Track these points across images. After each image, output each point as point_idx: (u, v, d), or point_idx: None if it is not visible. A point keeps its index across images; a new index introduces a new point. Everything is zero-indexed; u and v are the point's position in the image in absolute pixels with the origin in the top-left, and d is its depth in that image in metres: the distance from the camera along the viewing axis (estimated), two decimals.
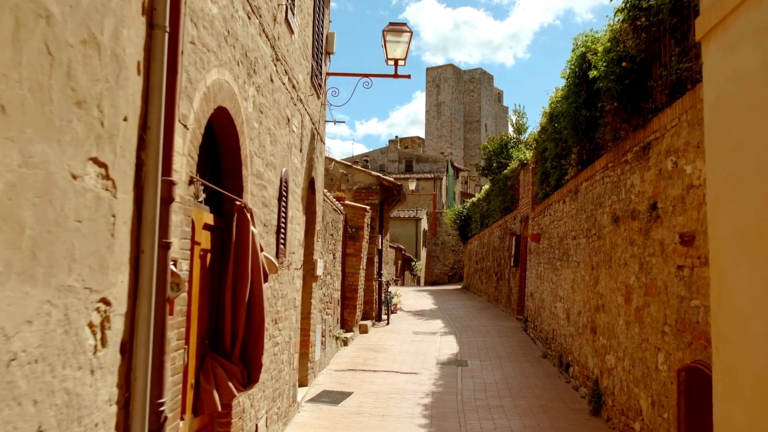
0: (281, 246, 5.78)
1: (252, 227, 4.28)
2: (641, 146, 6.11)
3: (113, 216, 2.53)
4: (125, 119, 2.61)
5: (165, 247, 2.88)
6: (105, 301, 2.49)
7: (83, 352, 2.33)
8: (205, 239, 4.08)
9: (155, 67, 2.83)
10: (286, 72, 5.83)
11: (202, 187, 4.05)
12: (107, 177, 2.47)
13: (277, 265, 4.84)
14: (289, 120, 6.08)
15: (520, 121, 19.28)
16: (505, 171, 17.42)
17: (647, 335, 5.76)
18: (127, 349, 2.69)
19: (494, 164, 18.79)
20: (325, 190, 9.60)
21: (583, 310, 8.29)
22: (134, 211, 2.73)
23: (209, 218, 4.12)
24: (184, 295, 3.34)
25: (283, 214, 5.82)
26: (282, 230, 5.82)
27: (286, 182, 5.88)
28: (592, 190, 7.98)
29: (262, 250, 4.44)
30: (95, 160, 2.38)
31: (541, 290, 11.80)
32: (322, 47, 8.19)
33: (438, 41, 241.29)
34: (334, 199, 10.70)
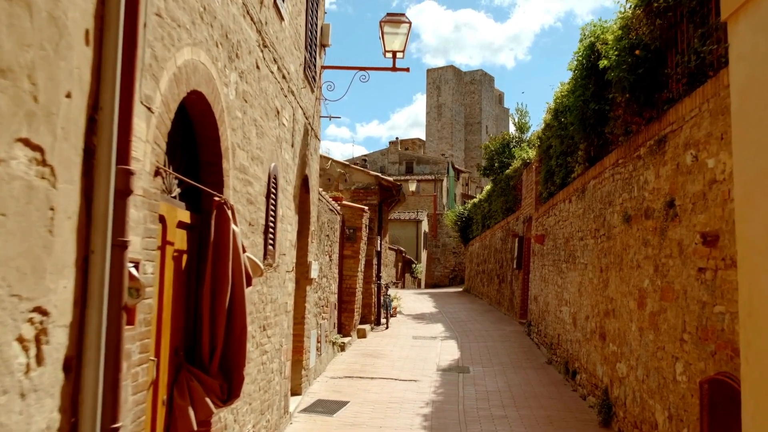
0: (270, 247, 5.38)
1: (233, 225, 3.89)
2: (656, 140, 5.71)
3: (51, 209, 2.13)
4: (68, 95, 2.21)
5: (121, 246, 2.48)
6: (41, 311, 2.09)
7: (9, 373, 1.93)
8: (179, 239, 3.68)
9: (109, 38, 2.43)
10: (275, 60, 5.44)
11: (176, 181, 3.65)
12: (43, 163, 2.07)
13: (262, 267, 4.44)
14: (278, 112, 5.68)
15: (523, 120, 18.87)
16: (508, 171, 17.01)
17: (663, 343, 5.35)
18: (72, 366, 2.29)
19: (496, 164, 18.37)
20: (321, 189, 9.21)
21: (591, 314, 7.89)
22: (82, 204, 2.33)
23: (185, 215, 3.72)
24: (150, 301, 2.94)
25: (272, 213, 5.42)
26: (271, 230, 5.42)
27: (275, 178, 5.49)
28: (601, 188, 7.58)
29: (244, 251, 4.04)
30: (26, 142, 1.98)
31: (545, 293, 11.39)
32: (316, 38, 7.80)
33: (438, 43, 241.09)
34: (331, 199, 10.30)
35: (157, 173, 2.94)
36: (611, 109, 7.18)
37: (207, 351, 3.75)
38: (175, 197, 3.63)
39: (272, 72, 5.33)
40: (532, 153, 14.53)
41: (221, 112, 3.90)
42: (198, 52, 3.45)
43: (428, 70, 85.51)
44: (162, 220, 3.35)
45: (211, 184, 3.99)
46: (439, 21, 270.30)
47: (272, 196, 5.42)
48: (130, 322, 2.72)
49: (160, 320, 3.37)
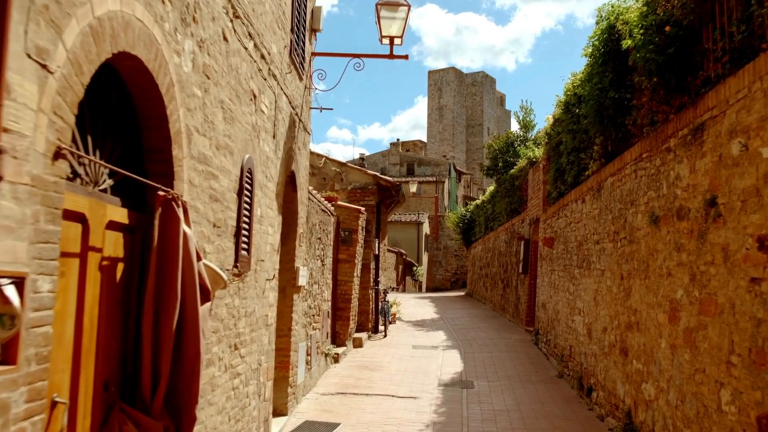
0: (243, 252, 4.62)
1: (184, 226, 3.13)
2: (691, 128, 4.94)
3: None
4: None
5: None
6: None
7: None
8: (112, 243, 2.91)
9: None
10: (250, 36, 4.68)
11: (106, 171, 2.89)
12: None
13: (225, 278, 3.67)
14: (255, 96, 4.92)
15: (528, 118, 18.07)
16: (512, 170, 16.22)
17: (703, 365, 4.57)
18: None
19: (500, 163, 17.57)
20: (311, 188, 8.45)
21: (609, 326, 7.10)
22: None
23: (119, 214, 2.96)
24: (46, 330, 2.17)
25: (245, 213, 4.66)
26: (244, 232, 4.65)
27: (249, 172, 4.72)
28: (621, 186, 6.80)
29: (200, 259, 3.28)
30: None
31: (555, 301, 10.60)
32: (305, 21, 7.04)
33: (440, 46, 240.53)
34: (323, 199, 9.52)
35: (57, 155, 2.18)
36: (633, 97, 6.43)
37: (148, 385, 2.98)
38: (104, 191, 2.87)
39: (246, 48, 4.57)
40: (538, 152, 13.77)
41: (170, 86, 3.14)
42: (131, 4, 2.68)
43: (429, 72, 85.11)
44: (81, 219, 2.60)
45: (158, 176, 3.22)
46: (440, 24, 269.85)
47: (246, 192, 4.66)
48: (9, 361, 1.95)
49: (79, 349, 2.61)
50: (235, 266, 4.45)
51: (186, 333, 3.12)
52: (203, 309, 3.27)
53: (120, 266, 3.00)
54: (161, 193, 3.04)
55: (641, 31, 5.53)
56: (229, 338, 4.41)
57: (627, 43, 5.72)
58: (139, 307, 3.10)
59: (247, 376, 5.00)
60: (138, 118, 3.15)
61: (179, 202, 3.13)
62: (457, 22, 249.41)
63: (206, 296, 3.35)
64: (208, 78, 3.76)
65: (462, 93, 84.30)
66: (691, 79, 5.17)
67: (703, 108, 4.74)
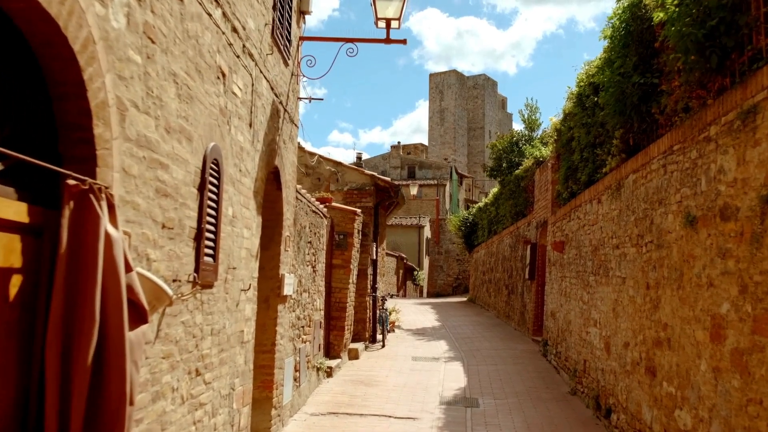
0: (206, 258, 3.86)
1: (108, 227, 2.37)
2: (739, 113, 4.18)
3: None
4: None
5: None
6: None
7: None
8: (1, 249, 2.16)
9: None
10: (216, 2, 3.93)
11: None
12: None
13: (169, 293, 2.91)
14: (224, 74, 4.17)
15: (533, 117, 17.29)
16: (518, 171, 15.46)
17: (759, 394, 3.80)
18: None
19: (504, 164, 16.80)
20: (301, 188, 7.69)
21: (632, 341, 6.33)
22: None
23: (14, 210, 2.20)
24: None
25: (210, 212, 3.90)
26: (209, 235, 3.90)
27: (216, 164, 3.97)
28: (646, 183, 6.04)
29: (130, 269, 2.52)
30: None
31: (566, 310, 9.82)
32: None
33: (441, 50, 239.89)
34: (314, 200, 8.76)
35: None
36: (661, 83, 5.68)
37: None
38: None
39: (210, 14, 3.82)
40: (546, 150, 13.04)
41: (88, 42, 2.39)
42: None
43: (431, 75, 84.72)
44: None
45: (75, 161, 2.47)
46: (442, 28, 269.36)
47: (212, 188, 3.91)
48: None
49: None
50: (197, 275, 3.69)
51: (108, 367, 2.37)
52: (135, 334, 2.52)
53: (16, 280, 2.25)
54: (71, 182, 2.29)
55: (675, 2, 4.79)
56: (187, 363, 3.65)
57: (659, 16, 4.97)
58: (44, 336, 2.34)
59: (215, 405, 4.23)
60: (48, 86, 2.40)
61: (100, 195, 2.38)
62: (458, 25, 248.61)
63: (141, 317, 2.60)
64: (153, 42, 3.01)
65: (463, 96, 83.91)
66: (736, 56, 4.43)
67: (756, 87, 3.97)
